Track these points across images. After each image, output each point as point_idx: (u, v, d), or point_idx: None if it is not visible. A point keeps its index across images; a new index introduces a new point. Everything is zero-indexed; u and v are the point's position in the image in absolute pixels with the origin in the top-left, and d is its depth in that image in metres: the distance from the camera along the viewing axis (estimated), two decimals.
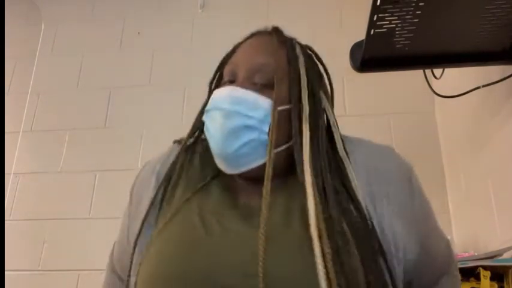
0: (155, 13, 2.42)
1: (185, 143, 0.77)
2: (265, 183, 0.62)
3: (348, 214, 0.63)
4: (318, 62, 0.81)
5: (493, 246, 1.31)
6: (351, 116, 2.05)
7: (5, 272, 1.85)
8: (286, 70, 0.73)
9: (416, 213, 0.71)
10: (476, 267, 1.06)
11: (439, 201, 1.83)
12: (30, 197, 2.11)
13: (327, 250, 0.56)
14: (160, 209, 0.71)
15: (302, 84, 0.71)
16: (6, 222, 2.04)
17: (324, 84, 0.79)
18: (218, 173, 0.73)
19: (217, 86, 0.78)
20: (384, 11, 0.98)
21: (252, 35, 0.80)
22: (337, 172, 0.68)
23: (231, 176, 0.72)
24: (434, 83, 1.47)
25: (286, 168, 0.70)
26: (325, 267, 0.55)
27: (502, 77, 1.23)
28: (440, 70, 1.41)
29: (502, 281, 1.06)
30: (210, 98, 0.73)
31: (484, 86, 1.30)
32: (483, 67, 1.30)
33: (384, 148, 0.76)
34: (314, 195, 0.61)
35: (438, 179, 1.88)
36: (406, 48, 1.13)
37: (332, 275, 0.54)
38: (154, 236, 0.66)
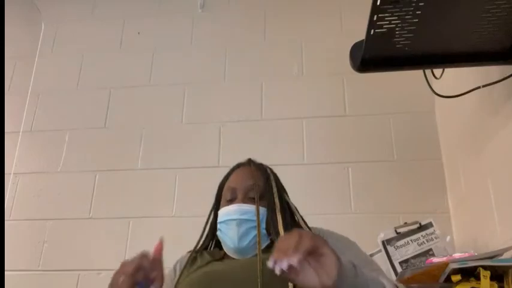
0: (155, 13, 2.42)
1: (195, 250, 1.15)
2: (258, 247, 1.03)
3: None
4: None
5: (493, 246, 1.31)
6: (351, 116, 2.05)
7: (5, 272, 1.85)
8: (264, 186, 1.13)
9: (355, 253, 1.07)
10: (476, 267, 1.06)
11: (439, 201, 1.84)
12: (30, 197, 2.11)
13: None
14: (180, 275, 1.07)
15: (274, 194, 1.12)
16: (6, 222, 2.04)
17: (283, 187, 1.20)
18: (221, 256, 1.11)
19: (219, 204, 1.17)
20: (384, 11, 0.98)
21: (238, 167, 1.20)
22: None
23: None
24: (434, 83, 1.46)
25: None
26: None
27: (501, 77, 1.23)
28: (440, 70, 1.41)
29: (502, 281, 1.06)
30: (222, 213, 1.10)
31: (484, 86, 1.30)
32: (483, 67, 1.30)
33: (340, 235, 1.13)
34: None
35: (438, 179, 1.88)
36: (406, 48, 1.13)
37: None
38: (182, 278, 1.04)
